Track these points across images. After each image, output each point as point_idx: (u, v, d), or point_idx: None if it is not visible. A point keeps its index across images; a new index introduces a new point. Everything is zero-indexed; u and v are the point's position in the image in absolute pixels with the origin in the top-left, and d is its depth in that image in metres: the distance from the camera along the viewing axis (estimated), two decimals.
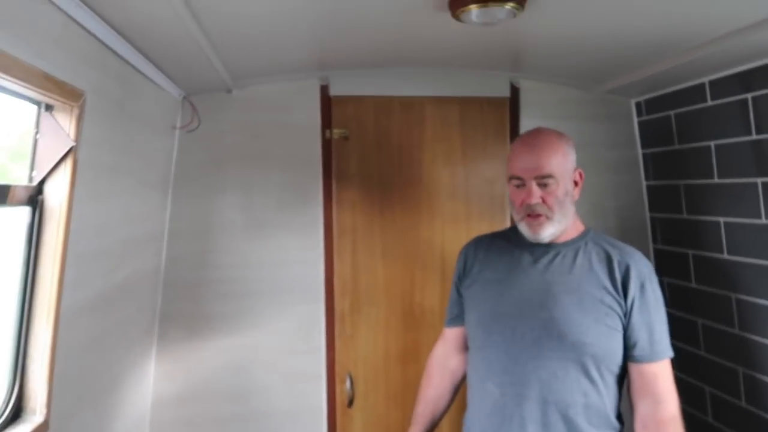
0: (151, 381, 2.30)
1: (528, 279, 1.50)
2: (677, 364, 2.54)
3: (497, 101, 2.53)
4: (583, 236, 1.55)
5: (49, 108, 1.33)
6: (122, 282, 1.83)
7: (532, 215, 1.45)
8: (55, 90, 1.24)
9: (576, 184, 1.52)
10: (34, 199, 1.31)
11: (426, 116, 2.51)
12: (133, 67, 1.72)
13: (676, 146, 2.33)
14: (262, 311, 2.40)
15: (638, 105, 2.58)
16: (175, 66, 1.98)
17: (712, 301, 2.21)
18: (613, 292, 1.44)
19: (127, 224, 1.86)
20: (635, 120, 2.60)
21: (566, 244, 1.53)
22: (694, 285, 2.31)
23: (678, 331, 2.44)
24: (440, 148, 2.51)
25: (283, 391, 2.38)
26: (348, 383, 2.41)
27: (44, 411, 1.35)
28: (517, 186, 1.47)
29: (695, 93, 2.17)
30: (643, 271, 1.47)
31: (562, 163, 1.45)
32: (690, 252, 2.32)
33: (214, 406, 2.35)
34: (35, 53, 1.14)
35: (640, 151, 2.60)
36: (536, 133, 1.52)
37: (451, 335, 1.75)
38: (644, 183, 2.60)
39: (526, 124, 2.49)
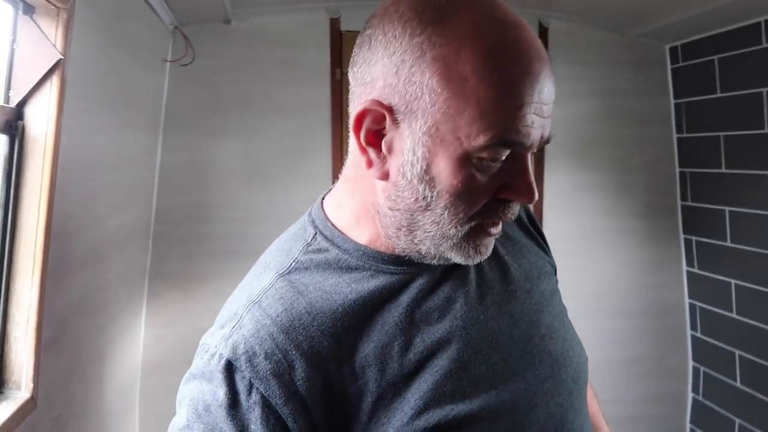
0: (140, 347, 2.06)
1: (475, 322, 0.64)
2: (705, 327, 2.46)
3: None
4: None
5: (29, 10, 1.05)
6: (113, 234, 1.58)
7: (494, 224, 0.59)
8: None
9: None
10: (13, 125, 1.05)
11: None
12: None
13: (718, 94, 2.15)
14: None
15: (673, 50, 2.38)
16: None
17: (750, 260, 2.07)
18: (540, 252, 0.80)
19: (118, 168, 1.59)
20: (668, 67, 2.41)
21: None
22: (729, 244, 2.17)
23: (709, 292, 2.32)
24: None
25: None
26: None
27: (31, 385, 1.11)
28: (492, 161, 0.54)
29: (747, 34, 1.99)
30: None
31: None
32: (727, 209, 2.17)
33: None
34: None
35: (672, 101, 2.42)
36: (523, 25, 0.54)
37: None
38: (675, 136, 2.43)
39: (554, 70, 2.27)
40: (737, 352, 2.15)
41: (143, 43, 1.77)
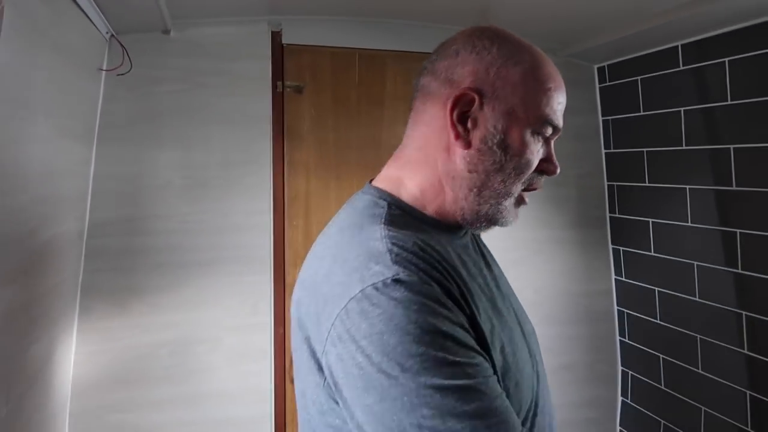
0: (71, 364, 1.99)
1: (494, 282, 0.89)
2: (632, 333, 2.60)
3: None
4: None
5: None
6: (43, 248, 1.52)
7: (527, 191, 0.85)
8: None
9: None
10: None
11: (387, 71, 2.31)
12: None
13: (642, 113, 2.29)
14: (203, 283, 2.14)
15: (601, 70, 2.52)
16: None
17: (672, 269, 2.20)
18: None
19: (49, 180, 1.54)
20: (597, 86, 2.55)
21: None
22: (652, 253, 2.30)
23: (635, 300, 2.45)
24: (402, 106, 2.32)
25: (227, 370, 2.15)
26: None
27: None
28: (544, 138, 0.82)
29: (666, 57, 2.13)
30: None
31: None
32: (650, 220, 2.30)
33: (148, 390, 2.08)
34: None
35: (600, 118, 2.55)
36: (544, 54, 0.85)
37: None
38: (603, 151, 2.56)
39: None
40: (661, 356, 2.28)
41: (77, 51, 1.73)
